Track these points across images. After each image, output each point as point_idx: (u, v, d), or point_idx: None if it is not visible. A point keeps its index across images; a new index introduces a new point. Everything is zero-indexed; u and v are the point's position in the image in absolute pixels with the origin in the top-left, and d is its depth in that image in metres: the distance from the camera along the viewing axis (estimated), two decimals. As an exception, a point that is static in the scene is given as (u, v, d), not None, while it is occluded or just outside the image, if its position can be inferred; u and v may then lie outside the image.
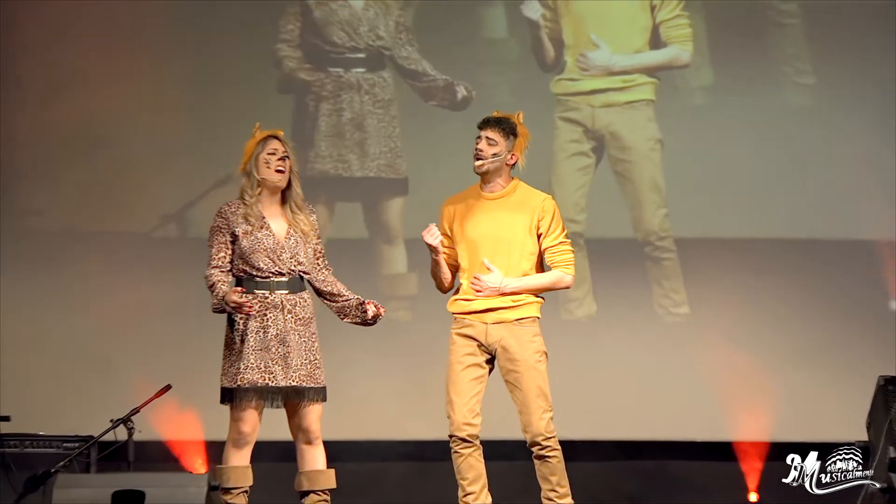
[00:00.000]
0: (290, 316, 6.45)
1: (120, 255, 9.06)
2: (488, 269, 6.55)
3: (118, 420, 7.69)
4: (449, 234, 6.70)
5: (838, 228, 9.06)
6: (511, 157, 6.62)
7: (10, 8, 9.19)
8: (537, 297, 6.65)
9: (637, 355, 8.95)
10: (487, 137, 6.59)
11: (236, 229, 6.45)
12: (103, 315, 8.96)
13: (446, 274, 6.72)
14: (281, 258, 6.46)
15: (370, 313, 6.58)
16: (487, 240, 6.59)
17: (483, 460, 6.61)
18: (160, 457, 8.56)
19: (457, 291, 6.69)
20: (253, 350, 6.39)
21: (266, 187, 6.52)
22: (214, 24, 9.28)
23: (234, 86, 9.16)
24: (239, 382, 6.38)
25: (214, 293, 6.42)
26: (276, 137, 6.55)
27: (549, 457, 6.54)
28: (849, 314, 8.96)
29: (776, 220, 9.08)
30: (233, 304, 6.35)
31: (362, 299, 6.61)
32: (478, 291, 6.56)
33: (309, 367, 6.47)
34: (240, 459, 6.49)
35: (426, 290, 8.88)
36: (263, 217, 6.49)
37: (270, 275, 6.45)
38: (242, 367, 6.37)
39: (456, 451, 6.59)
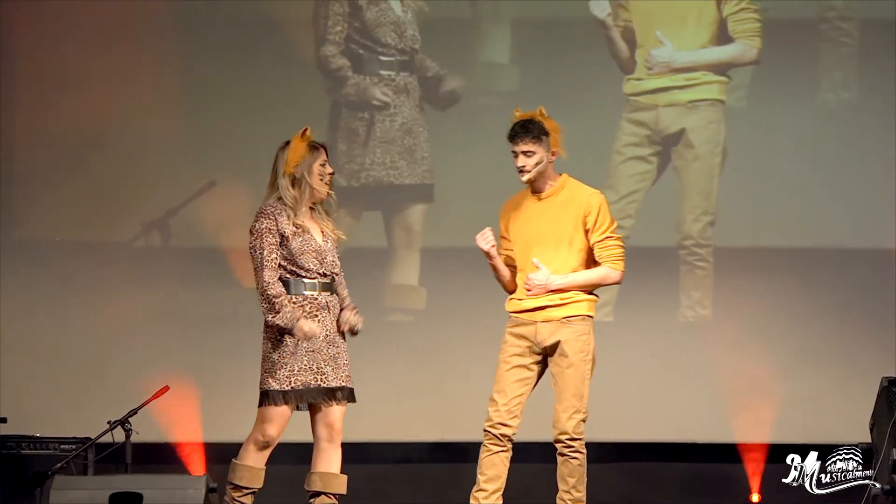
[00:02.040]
0: (332, 317, 6.44)
1: (115, 260, 9.03)
2: (537, 267, 6.55)
3: (116, 421, 7.66)
4: (507, 237, 6.72)
5: (841, 236, 9.03)
6: (552, 156, 6.60)
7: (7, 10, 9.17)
8: (590, 294, 6.64)
9: (638, 359, 8.92)
10: (524, 151, 6.57)
11: (285, 230, 6.39)
12: (101, 317, 8.94)
13: (507, 277, 6.73)
14: (325, 260, 6.43)
15: (343, 327, 6.53)
16: (538, 239, 6.60)
17: (508, 465, 6.59)
18: (158, 458, 8.53)
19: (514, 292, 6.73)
20: (306, 352, 6.34)
21: (312, 196, 6.47)
22: (216, 29, 9.25)
23: (240, 92, 9.14)
24: (293, 385, 6.33)
25: (285, 311, 6.29)
26: (325, 147, 6.51)
27: (570, 457, 6.53)
28: (852, 317, 8.94)
29: (781, 228, 9.03)
30: (305, 335, 6.30)
31: (345, 306, 6.55)
32: (528, 290, 6.57)
33: (348, 367, 6.47)
34: (258, 461, 6.44)
35: (433, 304, 8.92)
36: (302, 220, 6.45)
37: (317, 276, 6.42)
38: (296, 368, 6.32)
39: (485, 446, 6.58)
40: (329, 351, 6.39)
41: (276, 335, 6.37)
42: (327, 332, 6.40)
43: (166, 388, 7.80)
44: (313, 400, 6.38)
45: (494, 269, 6.72)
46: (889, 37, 9.02)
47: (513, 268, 6.73)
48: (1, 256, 9.01)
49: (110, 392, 8.63)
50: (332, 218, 6.55)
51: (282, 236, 6.38)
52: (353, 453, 8.35)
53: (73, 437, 7.87)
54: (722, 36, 9.08)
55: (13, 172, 9.13)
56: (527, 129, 6.56)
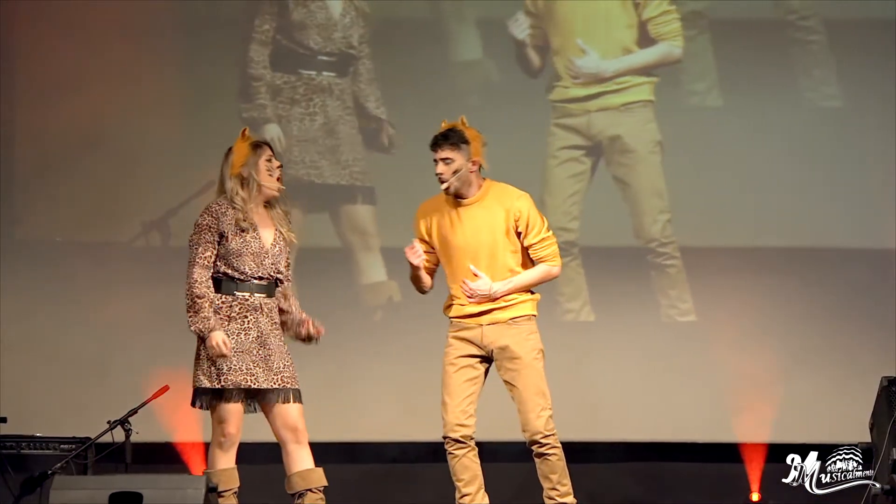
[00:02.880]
0: (267, 319, 6.44)
1: (115, 260, 9.04)
2: (475, 275, 6.53)
3: (115, 421, 7.65)
4: (426, 239, 6.70)
5: (841, 236, 9.02)
6: (472, 165, 6.59)
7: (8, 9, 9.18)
8: (531, 293, 6.64)
9: (639, 359, 8.92)
10: (443, 159, 6.57)
11: (225, 230, 6.41)
12: (101, 317, 8.94)
13: (426, 281, 6.75)
14: (263, 263, 6.44)
15: (303, 333, 6.55)
16: (470, 246, 6.60)
17: (479, 461, 6.60)
18: (158, 458, 8.53)
19: (450, 298, 6.69)
20: (235, 352, 6.36)
21: (262, 194, 6.47)
22: (216, 29, 9.25)
23: (227, 91, 9.14)
24: (223, 384, 6.34)
25: (202, 316, 6.32)
26: (268, 144, 6.53)
27: (548, 455, 6.53)
28: (852, 317, 8.93)
29: (780, 228, 9.03)
30: (213, 349, 6.31)
31: (303, 317, 6.56)
32: (469, 297, 6.56)
33: (291, 368, 6.46)
34: (226, 462, 6.49)
35: (410, 296, 8.91)
36: (252, 221, 6.45)
37: (251, 278, 6.42)
38: (225, 368, 6.34)
39: (450, 453, 6.59)
40: (260, 352, 6.40)
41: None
42: (259, 333, 6.40)
43: (166, 388, 7.79)
44: (245, 399, 6.39)
45: (416, 277, 6.71)
46: (865, 34, 9.04)
47: (431, 270, 6.73)
48: (1, 256, 9.01)
49: (110, 392, 8.63)
50: (290, 217, 6.55)
51: (221, 235, 6.40)
52: (353, 453, 8.38)
53: (73, 437, 7.86)
54: (643, 39, 9.10)
55: (13, 172, 9.13)
56: (446, 137, 6.57)
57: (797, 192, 9.05)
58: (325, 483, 6.54)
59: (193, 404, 6.48)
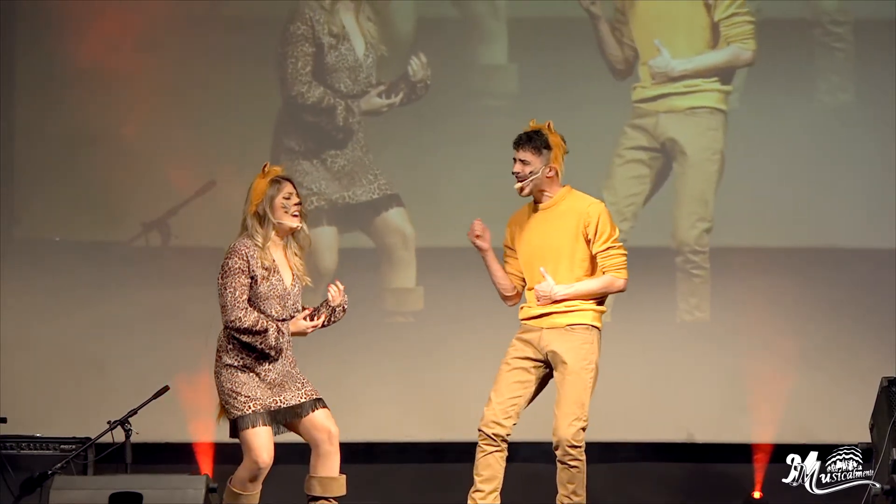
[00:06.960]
0: (285, 357, 6.41)
1: (115, 259, 9.03)
2: (544, 277, 6.56)
3: (115, 421, 7.65)
4: (512, 246, 6.76)
5: (842, 236, 9.02)
6: (549, 171, 6.60)
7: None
8: (598, 305, 6.65)
9: (643, 359, 8.91)
10: (521, 160, 6.59)
11: (255, 272, 6.34)
12: (101, 317, 8.94)
13: (502, 280, 6.77)
14: (286, 305, 6.40)
15: (331, 297, 6.50)
16: (540, 250, 6.63)
17: (504, 465, 6.61)
18: (158, 458, 8.52)
19: (524, 302, 6.75)
20: (257, 386, 6.33)
21: (279, 231, 6.43)
22: (216, 29, 9.25)
23: (239, 92, 9.14)
24: (253, 408, 6.31)
25: (273, 330, 6.30)
26: (289, 180, 6.44)
27: (569, 464, 6.54)
28: (853, 317, 8.94)
29: (786, 229, 9.03)
30: (311, 330, 6.40)
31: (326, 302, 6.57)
32: (538, 301, 6.59)
33: (309, 384, 6.44)
34: (254, 487, 6.45)
35: (432, 304, 8.93)
36: (274, 261, 6.40)
37: (276, 322, 6.38)
38: (252, 394, 6.31)
39: (480, 447, 6.61)
40: (278, 387, 6.36)
41: (226, 369, 6.35)
42: (278, 373, 6.36)
43: (166, 388, 7.79)
44: (280, 421, 6.37)
45: (488, 267, 6.75)
46: (885, 35, 9.03)
47: (517, 277, 6.76)
48: (1, 256, 9.01)
49: (110, 392, 8.63)
50: (304, 255, 6.50)
51: (252, 278, 6.34)
52: (354, 453, 8.36)
53: (73, 437, 7.86)
54: (716, 40, 9.10)
55: (13, 172, 9.13)
56: (529, 139, 6.59)
57: (799, 192, 9.05)
58: (344, 493, 6.50)
59: (233, 435, 6.41)
